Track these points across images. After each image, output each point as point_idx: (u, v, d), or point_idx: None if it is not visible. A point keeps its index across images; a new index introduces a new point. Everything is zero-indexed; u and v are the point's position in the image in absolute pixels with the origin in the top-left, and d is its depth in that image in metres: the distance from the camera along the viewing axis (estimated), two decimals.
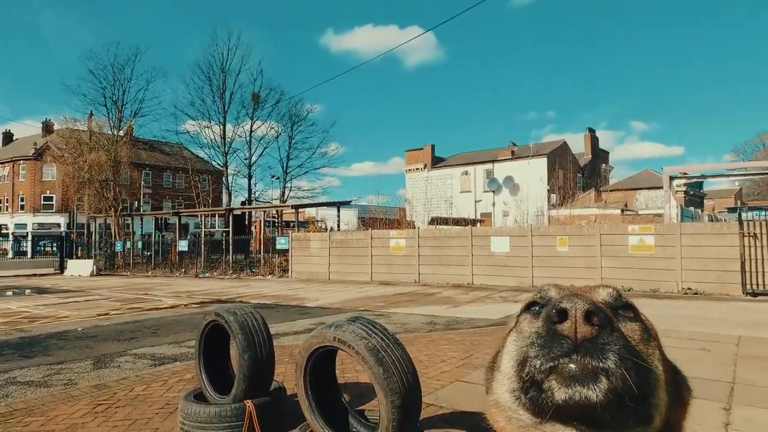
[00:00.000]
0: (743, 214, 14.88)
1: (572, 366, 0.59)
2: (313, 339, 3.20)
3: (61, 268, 31.36)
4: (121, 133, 37.62)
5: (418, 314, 11.55)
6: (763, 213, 17.34)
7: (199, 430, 3.83)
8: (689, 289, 14.13)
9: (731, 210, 30.28)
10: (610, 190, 41.11)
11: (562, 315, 0.61)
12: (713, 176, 24.55)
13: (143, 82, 38.90)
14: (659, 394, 0.66)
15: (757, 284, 13.36)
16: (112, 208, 34.75)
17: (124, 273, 29.98)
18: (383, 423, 2.90)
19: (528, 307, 0.75)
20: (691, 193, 35.94)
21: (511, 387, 0.68)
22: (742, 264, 13.50)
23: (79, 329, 9.90)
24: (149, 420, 4.45)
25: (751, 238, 13.57)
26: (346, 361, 5.71)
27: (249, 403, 3.86)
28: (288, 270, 23.95)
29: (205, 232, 31.33)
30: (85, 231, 38.89)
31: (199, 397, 4.16)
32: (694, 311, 11.05)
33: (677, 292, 14.14)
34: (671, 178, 19.55)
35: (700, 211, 30.26)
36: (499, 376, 0.73)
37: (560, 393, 0.60)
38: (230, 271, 26.40)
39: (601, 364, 0.59)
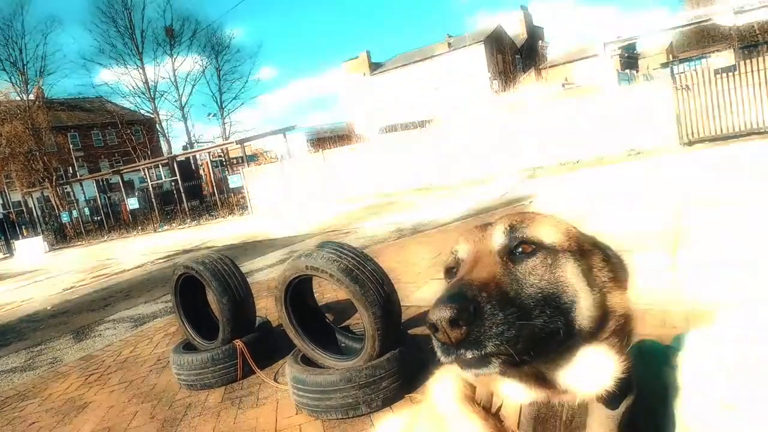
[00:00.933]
0: (674, 68, 15.32)
1: (466, 357, 0.68)
2: (286, 272, 3.25)
3: (10, 251, 29.98)
4: (32, 97, 34.45)
5: (384, 224, 11.81)
6: (693, 63, 17.90)
7: (195, 377, 3.96)
8: (632, 150, 14.84)
9: (664, 65, 31.08)
10: (549, 67, 41.30)
11: (434, 328, 0.68)
12: (645, 35, 24.85)
13: (39, 35, 35.22)
14: (582, 307, 0.73)
15: (692, 134, 14.14)
16: (46, 179, 32.71)
17: (79, 243, 28.97)
18: (368, 334, 3.06)
19: (447, 272, 0.88)
20: (626, 55, 36.51)
21: None
22: (677, 117, 14.16)
23: (49, 308, 9.71)
24: (144, 378, 4.55)
25: (683, 90, 14.12)
26: (323, 283, 5.87)
27: (238, 343, 3.98)
28: (247, 207, 23.67)
29: (152, 185, 30.16)
30: (24, 209, 36.79)
31: (188, 347, 4.24)
32: (637, 169, 11.69)
33: (621, 154, 14.83)
34: (605, 44, 19.71)
35: (635, 72, 30.95)
36: None
37: (469, 373, 0.71)
38: (188, 220, 25.89)
39: (483, 352, 0.66)
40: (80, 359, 5.62)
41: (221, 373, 3.93)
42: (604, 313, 0.75)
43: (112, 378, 4.73)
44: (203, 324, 4.39)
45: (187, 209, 26.53)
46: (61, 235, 31.44)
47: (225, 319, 3.97)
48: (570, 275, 0.74)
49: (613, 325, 0.75)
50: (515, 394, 0.76)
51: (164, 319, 6.85)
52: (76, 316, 8.40)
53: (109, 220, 30.47)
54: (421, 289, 5.44)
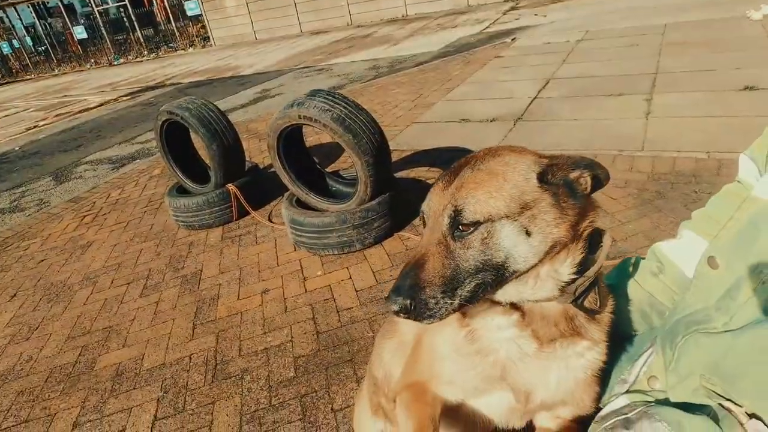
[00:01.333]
0: None
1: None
2: (279, 120, 3.28)
3: None
4: None
5: (359, 60, 11.36)
6: None
7: (192, 218, 4.19)
8: None
9: None
10: None
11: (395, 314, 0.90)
12: None
13: None
14: (508, 266, 0.90)
15: None
16: None
17: (28, 76, 26.95)
18: (361, 179, 3.24)
19: (421, 219, 1.04)
20: None
21: None
22: None
23: (17, 148, 9.49)
24: (140, 219, 4.77)
25: None
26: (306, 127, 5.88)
27: (231, 187, 4.14)
28: (209, 38, 21.98)
29: (98, 11, 27.16)
30: None
31: (181, 190, 4.40)
32: (626, 3, 11.17)
33: None
34: None
35: None
36: None
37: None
38: (145, 52, 24.06)
39: (432, 317, 0.89)
40: (69, 201, 5.74)
41: (218, 215, 4.17)
42: (550, 246, 0.91)
43: (108, 218, 4.94)
44: (191, 169, 4.49)
45: (141, 39, 24.47)
46: (6, 69, 29.04)
47: (216, 164, 4.07)
48: (504, 240, 0.88)
49: (560, 249, 0.91)
50: (494, 320, 1.00)
51: (145, 161, 6.88)
52: (49, 158, 8.29)
53: (55, 51, 27.99)
54: (403, 132, 5.54)
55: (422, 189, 4.16)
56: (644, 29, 8.37)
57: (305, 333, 2.72)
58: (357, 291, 2.99)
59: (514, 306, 0.97)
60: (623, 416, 0.86)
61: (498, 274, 0.89)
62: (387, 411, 1.46)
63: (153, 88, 13.82)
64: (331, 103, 3.15)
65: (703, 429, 0.72)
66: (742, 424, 0.70)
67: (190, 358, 2.71)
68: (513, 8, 14.50)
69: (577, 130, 4.74)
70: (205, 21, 21.62)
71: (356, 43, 14.11)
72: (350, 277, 3.14)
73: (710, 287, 0.80)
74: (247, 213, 4.22)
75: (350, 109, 3.19)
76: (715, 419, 0.73)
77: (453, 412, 1.11)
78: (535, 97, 5.86)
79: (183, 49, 22.79)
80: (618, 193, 3.43)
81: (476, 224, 0.88)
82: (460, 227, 0.89)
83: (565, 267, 0.92)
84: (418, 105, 6.47)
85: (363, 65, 10.72)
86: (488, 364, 1.00)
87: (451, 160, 4.64)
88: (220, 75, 13.63)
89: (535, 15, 12.68)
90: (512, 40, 9.87)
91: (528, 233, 0.88)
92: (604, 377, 1.02)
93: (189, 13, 22.38)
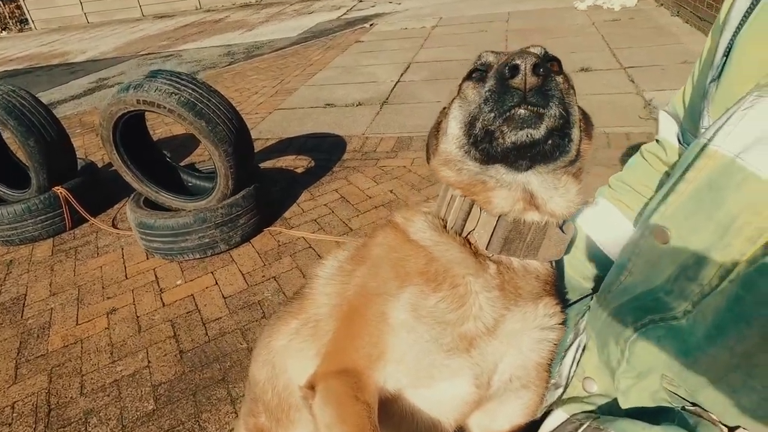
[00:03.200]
0: None
1: (522, 112, 0.67)
2: (111, 107, 2.75)
3: None
4: None
5: (211, 46, 10.51)
6: None
7: (10, 231, 3.42)
8: None
9: None
10: None
11: (514, 70, 0.66)
12: None
13: None
14: (576, 132, 0.75)
15: None
16: None
17: None
18: (221, 173, 2.87)
19: (469, 76, 0.79)
20: None
21: (461, 143, 0.78)
22: None
23: None
24: None
25: None
26: (153, 116, 5.21)
27: (59, 190, 3.46)
28: (27, 21, 18.87)
29: None
30: None
31: None
32: None
33: None
34: None
35: None
36: (447, 139, 0.82)
37: (511, 136, 0.69)
38: None
39: (543, 110, 0.67)
40: None
41: (45, 225, 3.46)
42: (578, 151, 0.77)
43: None
44: (4, 171, 3.69)
45: None
46: None
47: (36, 163, 3.36)
48: (575, 105, 0.75)
49: (580, 164, 0.80)
50: (501, 205, 0.78)
51: None
52: None
53: None
54: (266, 120, 5.16)
55: (291, 179, 3.88)
56: (491, 17, 8.89)
57: (165, 355, 2.32)
58: (225, 298, 2.65)
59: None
60: None
61: (566, 132, 0.72)
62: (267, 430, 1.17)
63: None
64: (177, 86, 2.72)
65: None
66: None
67: (13, 408, 2.16)
68: None
69: None
70: (21, 0, 18.51)
71: (207, 28, 13.08)
72: (216, 283, 2.78)
73: (656, 264, 0.68)
74: (85, 220, 3.58)
75: (200, 91, 2.79)
76: (685, 425, 0.62)
77: (385, 409, 0.81)
78: (398, 81, 5.86)
79: None
80: None
81: (560, 68, 0.76)
82: (550, 64, 0.74)
83: (574, 194, 0.79)
84: (279, 91, 6.10)
85: (217, 51, 9.93)
86: (458, 332, 0.78)
87: (318, 147, 4.42)
88: (45, 63, 11.71)
89: (390, 2, 12.88)
90: (371, 25, 9.87)
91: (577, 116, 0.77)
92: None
93: None
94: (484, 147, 0.72)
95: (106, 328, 2.55)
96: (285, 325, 1.06)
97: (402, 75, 6.07)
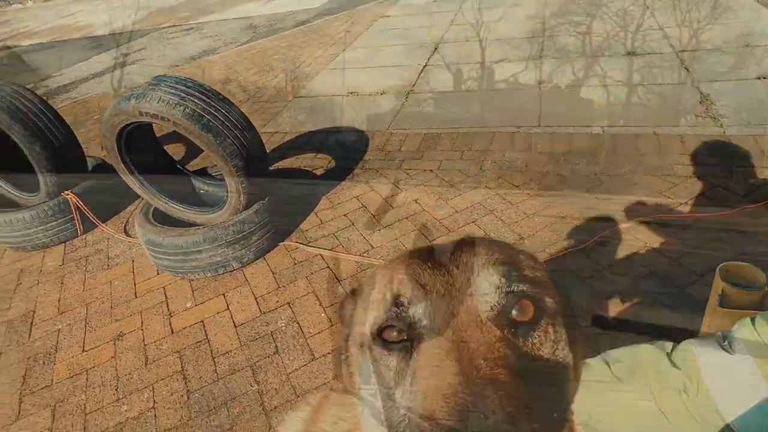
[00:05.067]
0: None
1: None
2: (114, 118, 2.55)
3: None
4: None
5: (233, 18, 10.19)
6: None
7: (22, 238, 3.31)
8: None
9: None
10: None
11: None
12: None
13: None
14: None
15: None
16: None
17: None
18: (231, 188, 2.66)
19: (380, 333, 0.51)
20: None
21: None
22: None
23: None
24: None
25: None
26: None
27: (69, 195, 3.32)
28: None
29: None
30: None
31: (2, 201, 3.47)
32: None
33: None
34: None
35: None
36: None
37: None
38: None
39: None
40: None
41: (56, 231, 3.34)
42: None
43: None
44: (17, 171, 3.56)
45: None
46: None
47: (44, 168, 3.21)
48: (567, 350, 0.50)
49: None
50: None
51: None
52: None
53: None
54: (284, 110, 4.89)
55: (309, 183, 3.65)
56: None
57: (172, 394, 2.18)
58: (237, 326, 2.48)
59: None
60: None
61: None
62: None
63: None
64: (182, 94, 2.49)
65: None
66: None
67: None
68: None
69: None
70: None
71: None
72: (228, 308, 2.61)
73: None
74: (96, 224, 3.44)
75: (208, 100, 2.55)
76: None
77: None
78: (426, 65, 5.49)
79: (20, 2, 19.26)
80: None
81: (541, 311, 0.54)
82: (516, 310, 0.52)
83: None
84: (299, 75, 5.81)
85: (238, 24, 9.61)
86: None
87: (339, 143, 4.15)
88: (68, 36, 11.60)
89: None
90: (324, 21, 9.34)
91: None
92: None
93: None
94: None
95: (112, 357, 2.42)
96: None
97: (429, 58, 5.68)
